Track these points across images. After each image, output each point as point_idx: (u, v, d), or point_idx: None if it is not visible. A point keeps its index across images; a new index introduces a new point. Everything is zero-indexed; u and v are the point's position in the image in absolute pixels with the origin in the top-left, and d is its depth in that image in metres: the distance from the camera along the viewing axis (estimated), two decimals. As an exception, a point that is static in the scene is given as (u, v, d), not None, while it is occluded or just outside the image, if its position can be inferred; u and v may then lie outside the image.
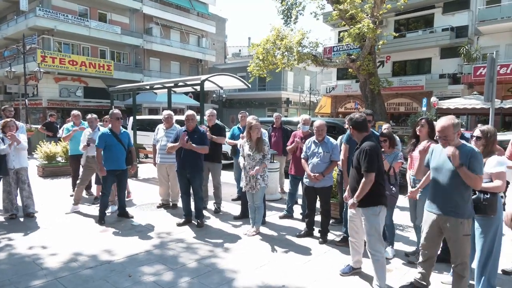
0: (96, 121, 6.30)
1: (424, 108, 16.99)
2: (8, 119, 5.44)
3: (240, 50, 50.60)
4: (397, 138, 4.76)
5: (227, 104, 34.08)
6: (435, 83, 21.92)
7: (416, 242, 4.30)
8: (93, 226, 5.25)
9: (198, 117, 5.51)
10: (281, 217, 5.75)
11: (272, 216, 5.81)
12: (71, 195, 6.45)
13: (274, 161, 6.86)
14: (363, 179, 3.32)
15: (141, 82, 23.12)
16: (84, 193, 6.56)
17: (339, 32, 24.23)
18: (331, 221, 5.06)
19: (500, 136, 6.33)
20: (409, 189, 3.98)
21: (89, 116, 6.28)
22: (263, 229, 5.11)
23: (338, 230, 5.06)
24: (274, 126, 7.38)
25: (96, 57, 28.06)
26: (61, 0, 26.15)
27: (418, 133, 4.12)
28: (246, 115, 6.40)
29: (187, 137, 4.96)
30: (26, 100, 18.26)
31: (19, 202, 5.69)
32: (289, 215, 5.80)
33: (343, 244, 4.48)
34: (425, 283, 3.27)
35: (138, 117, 11.52)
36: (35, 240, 4.58)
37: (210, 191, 6.27)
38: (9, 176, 5.39)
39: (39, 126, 12.60)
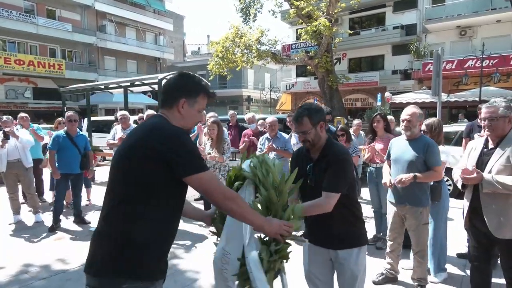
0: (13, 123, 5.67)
1: (379, 103, 17.73)
2: None
3: (199, 48, 49.97)
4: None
5: (187, 103, 33.50)
6: (388, 79, 22.94)
7: (376, 229, 4.51)
8: (46, 234, 4.98)
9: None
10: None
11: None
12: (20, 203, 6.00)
13: (236, 158, 6.86)
14: None
15: (96, 82, 22.17)
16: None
17: (297, 30, 24.72)
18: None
19: (447, 128, 6.78)
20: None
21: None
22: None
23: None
24: (230, 124, 7.40)
25: (46, 56, 26.44)
26: (4, -5, 24.40)
27: (375, 128, 4.32)
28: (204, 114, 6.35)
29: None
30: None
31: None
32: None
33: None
34: (394, 273, 3.41)
35: (93, 118, 11.04)
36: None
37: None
38: None
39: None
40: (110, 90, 9.50)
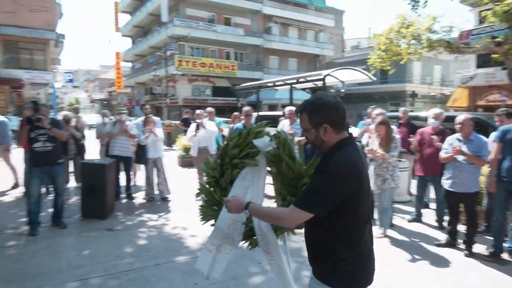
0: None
1: None
2: (147, 116, 6.39)
3: (359, 43, 48.41)
4: None
5: (345, 99, 33.08)
6: None
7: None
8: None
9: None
10: (409, 221, 5.32)
11: (400, 219, 5.41)
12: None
13: (402, 159, 6.35)
14: None
15: (261, 80, 24.24)
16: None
17: (480, 12, 21.00)
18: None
19: None
20: None
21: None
22: (391, 233, 4.80)
23: (485, 243, 4.40)
24: (400, 121, 6.83)
25: (222, 58, 30.57)
26: (193, 9, 29.24)
27: None
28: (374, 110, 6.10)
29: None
30: (168, 100, 21.02)
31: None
32: (418, 219, 5.33)
33: (492, 260, 3.88)
34: None
35: (261, 113, 12.11)
36: (177, 222, 5.24)
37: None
38: (149, 165, 6.29)
39: (177, 122, 14.36)
40: (276, 87, 10.21)
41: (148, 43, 32.71)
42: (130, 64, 42.29)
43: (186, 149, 10.47)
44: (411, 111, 7.40)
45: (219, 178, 2.14)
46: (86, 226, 4.94)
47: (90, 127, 19.78)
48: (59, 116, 7.46)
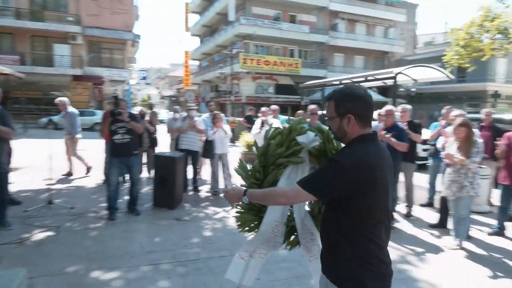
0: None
1: None
2: (217, 112, 6.60)
3: (433, 38, 45.14)
4: None
5: (415, 99, 31.12)
6: None
7: None
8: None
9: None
10: (490, 234, 4.83)
11: (479, 232, 4.94)
12: None
13: (483, 166, 5.79)
14: None
15: (324, 78, 23.76)
16: None
17: None
18: None
19: None
20: None
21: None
22: (468, 245, 4.41)
23: None
24: (482, 124, 6.22)
25: (286, 56, 30.55)
26: (259, 8, 29.59)
27: None
28: (451, 111, 5.64)
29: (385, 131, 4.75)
30: (232, 97, 21.59)
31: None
32: (500, 232, 4.82)
33: None
34: None
35: (324, 112, 11.88)
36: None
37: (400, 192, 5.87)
38: (215, 160, 6.49)
39: (241, 119, 14.67)
40: (341, 86, 9.94)
41: (215, 42, 33.82)
42: (197, 63, 44.17)
43: (249, 146, 10.64)
44: (494, 113, 6.70)
45: (263, 180, 2.05)
46: (157, 215, 5.26)
47: (160, 122, 21.06)
48: (135, 111, 8.05)
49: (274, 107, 7.14)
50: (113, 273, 3.41)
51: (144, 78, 39.99)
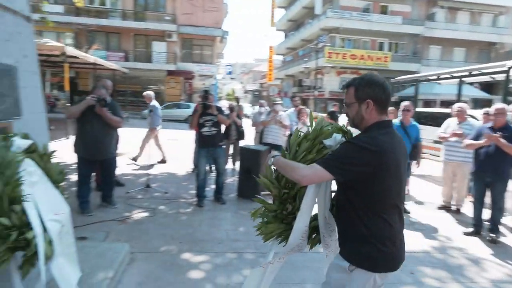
0: None
1: None
2: (302, 107, 6.52)
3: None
4: None
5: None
6: None
7: None
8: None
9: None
10: None
11: None
12: None
13: None
14: None
15: (418, 73, 21.97)
16: None
17: None
18: None
19: None
20: None
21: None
22: None
23: None
24: None
25: (374, 49, 28.97)
26: (348, 0, 28.51)
27: None
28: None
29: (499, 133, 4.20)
30: (316, 92, 21.29)
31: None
32: None
33: None
34: None
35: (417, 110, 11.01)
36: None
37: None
38: None
39: (324, 115, 14.39)
40: (439, 81, 9.06)
41: (300, 36, 33.61)
42: (281, 57, 44.48)
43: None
44: None
45: (292, 188, 1.99)
46: (241, 205, 5.44)
47: (245, 115, 21.75)
48: (222, 105, 8.40)
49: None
50: (202, 257, 3.62)
51: (229, 73, 41.60)
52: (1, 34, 2.04)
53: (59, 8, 23.22)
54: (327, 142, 1.94)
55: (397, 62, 28.34)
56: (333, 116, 12.12)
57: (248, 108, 29.04)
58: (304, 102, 29.91)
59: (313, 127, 2.05)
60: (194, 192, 5.56)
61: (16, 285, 1.91)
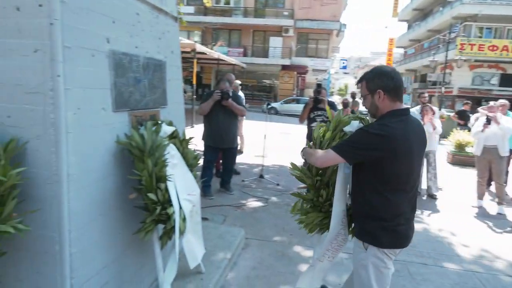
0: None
1: None
2: (427, 104, 5.86)
3: None
4: None
5: None
6: None
7: None
8: (510, 229, 4.71)
9: None
10: None
11: None
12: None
13: None
14: None
15: None
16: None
17: None
18: None
19: None
20: None
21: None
22: None
23: None
24: None
25: (522, 39, 24.44)
26: (491, -18, 24.60)
27: None
28: None
29: None
30: (443, 88, 19.14)
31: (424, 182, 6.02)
32: None
33: None
34: None
35: None
36: (444, 224, 4.74)
37: None
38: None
39: (451, 114, 12.83)
40: None
41: (426, 26, 30.52)
42: (401, 51, 41.14)
43: (460, 146, 9.19)
44: None
45: (323, 175, 2.22)
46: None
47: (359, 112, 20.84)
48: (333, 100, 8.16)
49: (503, 101, 5.80)
50: (311, 252, 3.62)
51: (344, 67, 40.31)
52: (156, 33, 2.35)
53: (190, 9, 25.80)
54: (347, 128, 2.12)
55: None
56: (463, 115, 10.69)
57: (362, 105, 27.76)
58: (428, 99, 27.15)
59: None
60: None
61: (156, 253, 2.20)
